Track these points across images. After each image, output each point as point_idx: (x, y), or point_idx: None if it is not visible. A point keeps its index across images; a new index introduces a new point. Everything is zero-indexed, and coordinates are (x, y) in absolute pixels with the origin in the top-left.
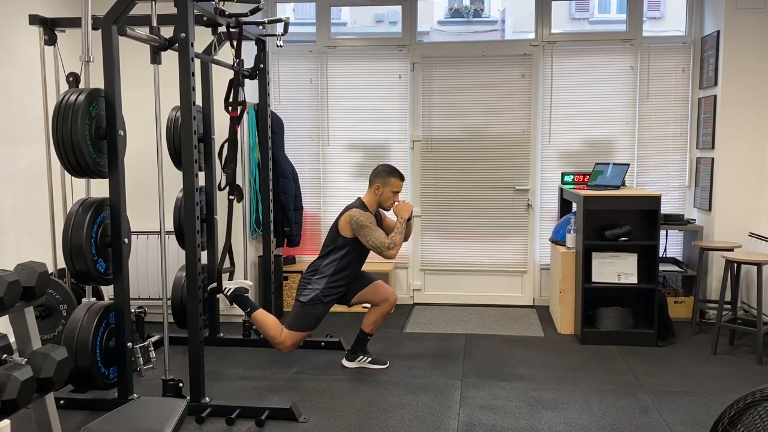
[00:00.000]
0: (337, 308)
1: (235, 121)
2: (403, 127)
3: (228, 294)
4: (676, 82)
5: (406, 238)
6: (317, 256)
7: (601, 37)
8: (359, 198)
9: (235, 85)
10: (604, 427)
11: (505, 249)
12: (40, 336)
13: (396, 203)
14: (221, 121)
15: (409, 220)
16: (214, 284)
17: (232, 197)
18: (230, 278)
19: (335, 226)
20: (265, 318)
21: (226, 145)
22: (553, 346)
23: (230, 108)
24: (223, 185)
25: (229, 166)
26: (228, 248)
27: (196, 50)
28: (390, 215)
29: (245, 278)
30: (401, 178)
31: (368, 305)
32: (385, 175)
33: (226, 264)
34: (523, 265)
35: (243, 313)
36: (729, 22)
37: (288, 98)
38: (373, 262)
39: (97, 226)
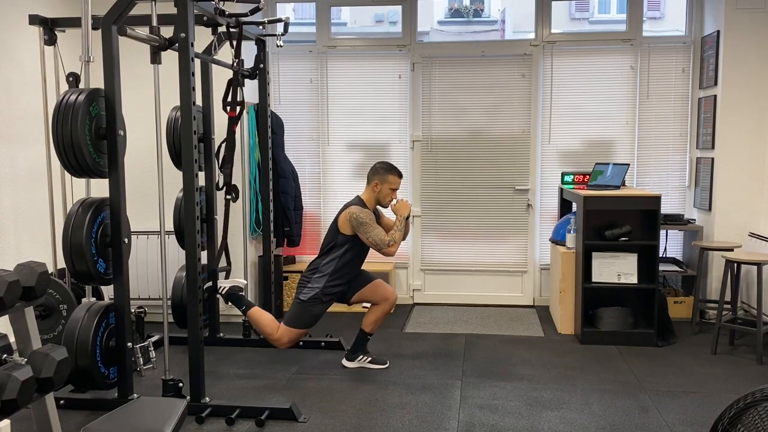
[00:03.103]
0: (337, 308)
1: (233, 121)
2: (403, 127)
3: (222, 293)
4: (676, 82)
5: (404, 237)
6: (317, 255)
7: (601, 37)
8: (358, 196)
9: (234, 85)
10: (604, 427)
11: (505, 249)
12: (40, 336)
13: (394, 201)
14: (221, 121)
15: (407, 218)
16: (210, 283)
17: (229, 197)
18: (227, 277)
19: (334, 224)
20: (260, 315)
21: (223, 145)
22: (553, 346)
23: (228, 108)
24: (221, 185)
25: (227, 166)
26: (224, 247)
27: (196, 50)
28: (388, 214)
29: (244, 278)
30: (399, 175)
31: (368, 305)
32: (383, 172)
33: (223, 263)
34: (523, 265)
35: (239, 310)
36: (729, 22)
37: (288, 98)
38: (373, 262)
39: (97, 226)
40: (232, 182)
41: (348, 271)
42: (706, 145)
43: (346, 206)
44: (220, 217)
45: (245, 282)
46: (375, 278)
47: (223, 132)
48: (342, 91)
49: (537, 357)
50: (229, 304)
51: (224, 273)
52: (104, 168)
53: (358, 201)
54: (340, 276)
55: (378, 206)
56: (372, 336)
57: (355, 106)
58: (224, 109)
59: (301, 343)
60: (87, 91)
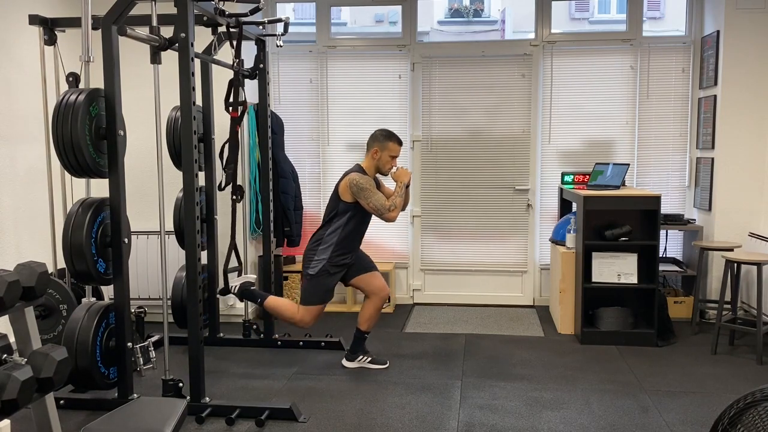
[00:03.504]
0: (336, 308)
1: (235, 122)
2: (403, 127)
3: (235, 292)
4: (676, 82)
5: (404, 207)
6: (319, 226)
7: (601, 37)
8: (357, 164)
9: (235, 85)
10: (604, 427)
11: (505, 249)
12: (40, 336)
13: (394, 169)
14: (221, 121)
15: (407, 186)
16: (222, 287)
17: (235, 197)
18: (238, 276)
19: (335, 192)
20: (277, 302)
21: (226, 145)
22: (553, 346)
23: (230, 108)
24: (223, 185)
25: (230, 166)
26: (233, 248)
27: (196, 50)
28: (388, 186)
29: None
30: (399, 142)
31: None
32: (383, 139)
33: (233, 263)
34: (523, 265)
35: (243, 313)
36: (729, 22)
37: (288, 98)
38: (376, 262)
39: (97, 226)
40: (236, 182)
41: (352, 240)
42: (706, 145)
43: (346, 174)
44: (222, 217)
45: (254, 276)
46: (376, 268)
47: (223, 132)
48: (342, 91)
49: (537, 357)
50: (244, 300)
51: (236, 272)
52: (104, 168)
53: (358, 168)
54: (345, 246)
55: (378, 174)
56: (369, 334)
57: (355, 106)
58: (227, 109)
59: (301, 343)
60: (87, 91)
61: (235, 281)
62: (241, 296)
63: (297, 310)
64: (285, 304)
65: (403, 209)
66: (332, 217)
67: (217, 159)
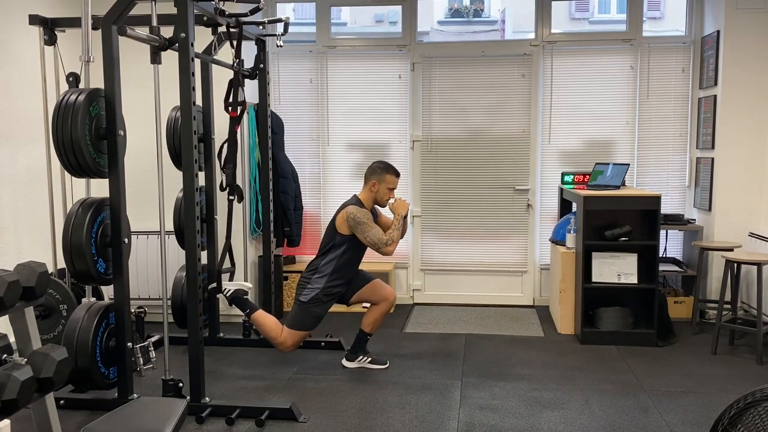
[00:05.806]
0: (337, 308)
1: (234, 122)
2: (403, 127)
3: (227, 295)
4: (676, 82)
5: (401, 236)
6: (315, 255)
7: (601, 37)
8: (355, 195)
9: (234, 85)
10: (604, 427)
11: (505, 249)
12: (40, 336)
13: (392, 200)
14: (221, 121)
15: (405, 217)
16: (214, 284)
17: (232, 197)
18: (230, 278)
19: (332, 224)
20: (264, 319)
21: (225, 145)
22: (553, 346)
23: (230, 108)
24: (223, 185)
25: (229, 166)
26: (228, 248)
27: (196, 50)
28: (386, 214)
29: (245, 279)
30: (397, 174)
31: (368, 305)
32: (381, 171)
33: (227, 264)
34: (523, 265)
35: (243, 314)
36: (729, 22)
37: (288, 98)
38: (372, 261)
39: (97, 226)
40: (235, 183)
41: (347, 271)
42: (706, 145)
43: (343, 206)
44: (222, 217)
45: (250, 285)
46: (373, 278)
47: (222, 132)
48: (342, 91)
49: (537, 357)
50: (233, 306)
51: (228, 274)
52: (104, 168)
53: (356, 201)
54: (340, 276)
55: (376, 205)
56: (371, 336)
57: (355, 106)
58: (226, 109)
59: (301, 343)
60: (87, 91)
61: (229, 285)
62: (232, 302)
63: (280, 332)
64: (271, 323)
65: (401, 237)
66: (329, 249)
67: (216, 159)
